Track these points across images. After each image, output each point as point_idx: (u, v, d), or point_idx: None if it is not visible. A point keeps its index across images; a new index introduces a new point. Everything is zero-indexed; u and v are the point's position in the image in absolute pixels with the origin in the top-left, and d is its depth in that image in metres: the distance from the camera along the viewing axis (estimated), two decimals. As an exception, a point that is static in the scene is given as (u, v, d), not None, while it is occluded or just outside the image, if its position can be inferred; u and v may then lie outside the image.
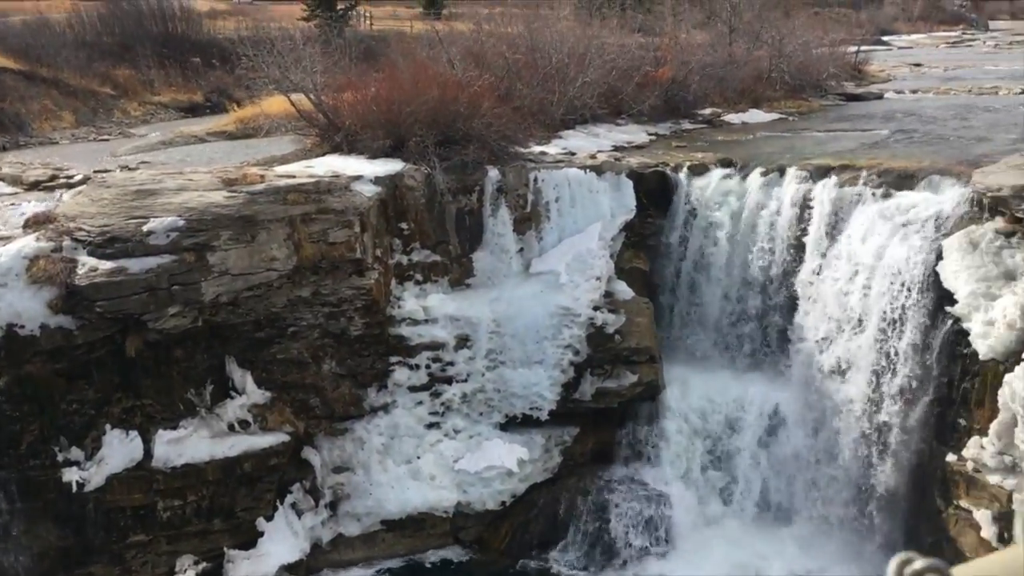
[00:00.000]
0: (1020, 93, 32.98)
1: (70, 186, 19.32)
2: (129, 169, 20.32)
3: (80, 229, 15.51)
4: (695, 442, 18.63)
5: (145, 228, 15.39)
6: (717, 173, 19.82)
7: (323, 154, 20.14)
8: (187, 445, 15.97)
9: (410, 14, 51.44)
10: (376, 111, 19.88)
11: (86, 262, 15.04)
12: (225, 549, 16.20)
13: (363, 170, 18.41)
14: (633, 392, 18.71)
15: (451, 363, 18.39)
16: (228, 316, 16.22)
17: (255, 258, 16.17)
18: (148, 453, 15.69)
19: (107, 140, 27.58)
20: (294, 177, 17.53)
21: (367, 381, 18.07)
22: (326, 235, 16.87)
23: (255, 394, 16.79)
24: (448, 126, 19.33)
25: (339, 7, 41.38)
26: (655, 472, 18.66)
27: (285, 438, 16.72)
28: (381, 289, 17.75)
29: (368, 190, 17.87)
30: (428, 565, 17.90)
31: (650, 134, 24.85)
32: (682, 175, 19.93)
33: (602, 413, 18.88)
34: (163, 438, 15.84)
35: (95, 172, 20.24)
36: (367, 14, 47.20)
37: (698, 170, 20.02)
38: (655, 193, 20.00)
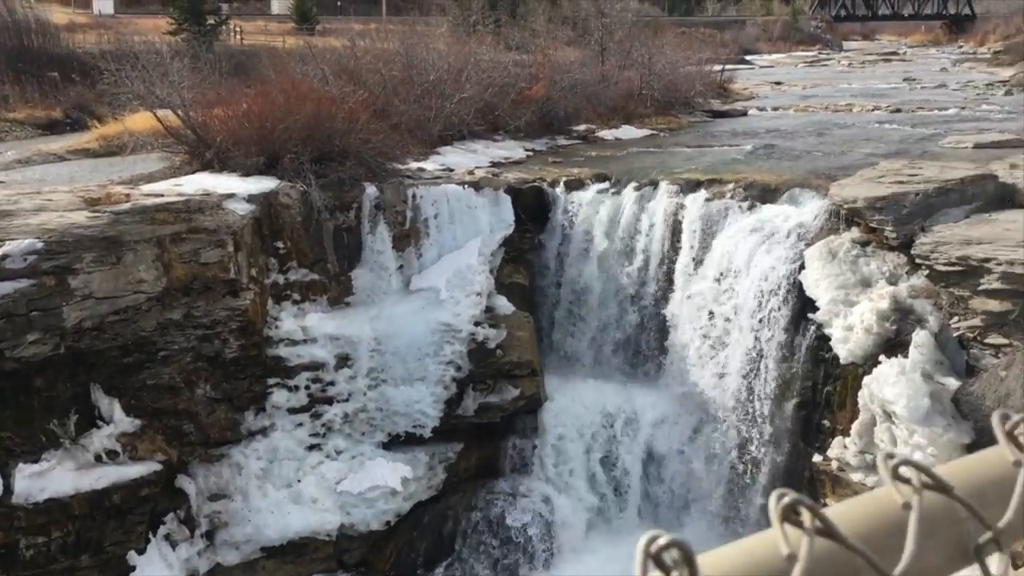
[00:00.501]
0: (872, 110, 34.99)
1: (-85, 207, 18.13)
2: (-18, 189, 19.20)
3: (-73, 253, 14.54)
4: (578, 452, 18.89)
5: (0, 251, 14.55)
6: (593, 188, 20.24)
7: (193, 172, 19.52)
8: (50, 479, 15.12)
9: (281, 29, 50.60)
10: (248, 127, 19.44)
11: (-66, 288, 14.11)
12: (94, 586, 15.42)
13: (236, 188, 17.94)
14: (515, 406, 18.84)
15: (331, 383, 18.09)
16: (93, 342, 15.48)
17: (121, 280, 15.52)
18: (7, 489, 14.77)
19: (-43, 158, 25.97)
20: (162, 196, 16.93)
21: (244, 404, 17.57)
22: (198, 255, 16.35)
23: (123, 422, 16.07)
24: (323, 142, 19.07)
25: (208, 21, 40.31)
26: (539, 484, 18.82)
27: (157, 467, 16.04)
28: (257, 310, 17.32)
29: (242, 208, 17.43)
30: (311, 590, 17.50)
31: (527, 150, 25.17)
32: (559, 190, 20.26)
33: (485, 428, 18.93)
34: (24, 472, 14.95)
35: (-56, 192, 19.04)
36: (237, 28, 46.16)
37: (574, 185, 20.40)
38: (533, 208, 20.27)
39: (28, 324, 14.51)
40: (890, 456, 1.12)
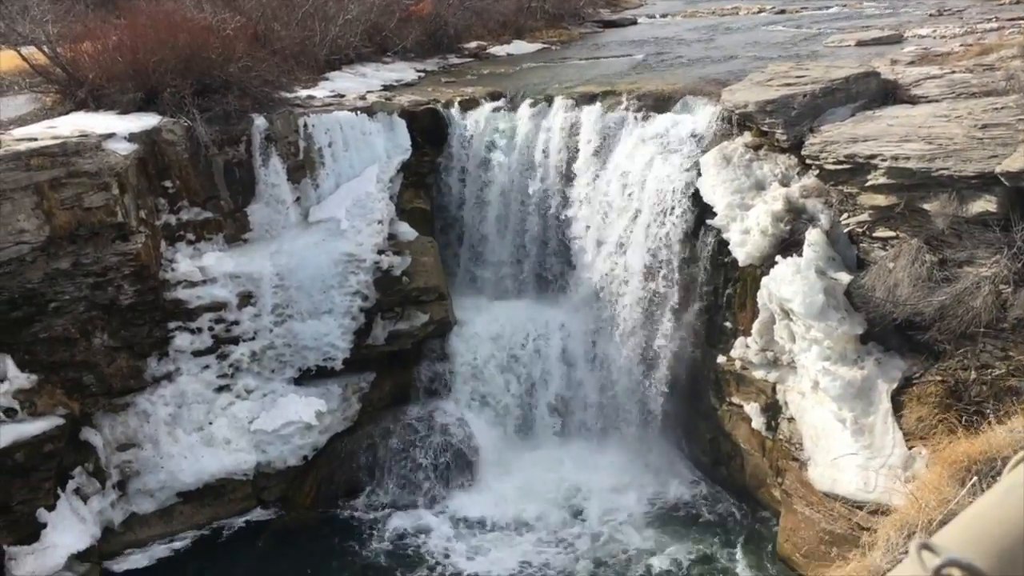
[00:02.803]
0: (757, 12, 35.34)
1: None
2: None
3: None
4: (490, 372, 19.07)
5: None
6: (488, 107, 19.99)
7: (67, 112, 18.47)
8: (-55, 443, 14.51)
9: (151, -46, 47.77)
10: (121, 62, 18.43)
11: None
12: (4, 547, 14.98)
13: (115, 127, 17.07)
14: (425, 331, 18.84)
15: (236, 322, 17.72)
16: (-24, 298, 14.74)
17: (1, 232, 14.73)
18: (-101, 458, 14.14)
19: None
20: (36, 140, 16.00)
21: (146, 351, 17.08)
22: (80, 200, 15.61)
23: (19, 378, 15.44)
24: (203, 74, 18.23)
25: (68, -52, 37.71)
26: (453, 406, 18.99)
27: (59, 421, 15.54)
28: (150, 253, 16.71)
29: (123, 148, 16.62)
30: (233, 531, 17.40)
31: (418, 71, 24.64)
32: (454, 111, 19.95)
33: (397, 355, 18.91)
34: (-85, 439, 14.30)
35: None
36: (102, -45, 43.38)
37: (469, 105, 20.11)
38: (429, 131, 19.93)
39: (-99, 285, 13.69)
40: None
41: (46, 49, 18.97)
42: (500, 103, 20.11)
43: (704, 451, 17.85)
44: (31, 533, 15.23)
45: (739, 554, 15.81)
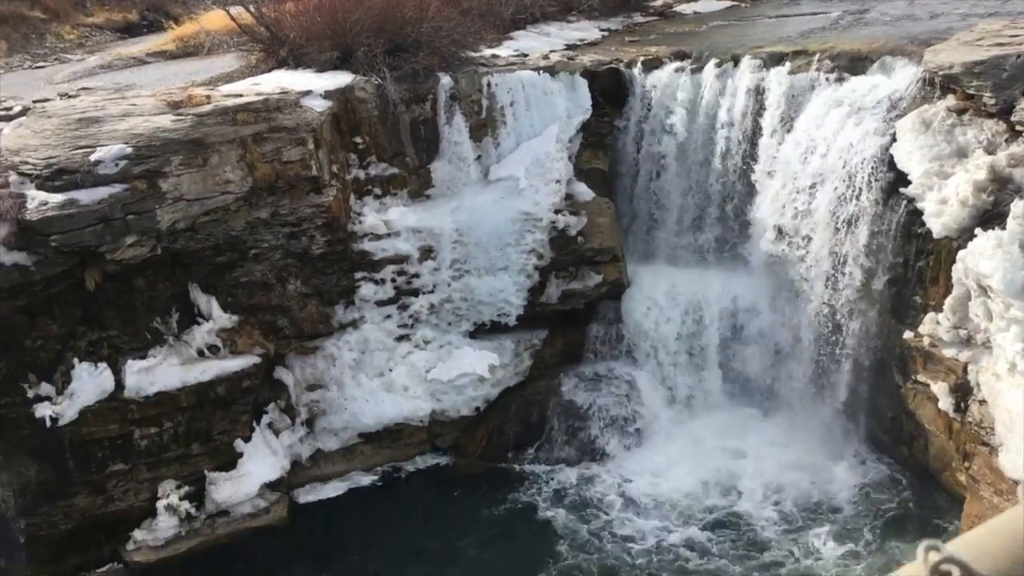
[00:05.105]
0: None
1: (9, 118, 18.66)
2: (69, 97, 19.66)
3: (25, 163, 15.09)
4: (661, 335, 18.97)
5: (92, 158, 15.01)
6: (671, 67, 19.64)
7: (269, 70, 19.61)
8: (158, 373, 15.95)
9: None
10: (320, 22, 19.32)
11: (35, 196, 14.68)
12: (206, 472, 16.39)
13: (312, 84, 17.98)
14: (598, 292, 18.93)
15: (416, 275, 18.42)
16: (187, 243, 16.01)
17: (209, 182, 15.89)
18: (120, 384, 15.67)
19: (43, 67, 26.58)
20: (241, 96, 17.09)
21: (334, 299, 18.07)
22: (279, 154, 16.58)
23: (222, 319, 16.73)
24: (396, 33, 18.86)
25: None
26: (624, 368, 19.05)
27: (256, 360, 16.75)
28: (340, 206, 17.58)
29: (319, 105, 17.50)
30: (408, 473, 18.26)
31: (602, 30, 24.48)
32: (636, 71, 19.73)
33: (569, 314, 19.12)
34: (133, 368, 15.80)
35: (34, 102, 19.57)
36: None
37: (652, 65, 19.82)
38: (610, 91, 19.82)
39: (125, 227, 15.05)
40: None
41: (252, 9, 20.12)
42: (684, 63, 19.71)
43: (884, 429, 17.12)
44: (229, 461, 16.57)
45: (915, 537, 15.15)
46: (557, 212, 18.61)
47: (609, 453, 18.02)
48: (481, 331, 18.89)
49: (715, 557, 15.28)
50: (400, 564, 15.62)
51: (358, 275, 18.12)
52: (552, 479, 17.59)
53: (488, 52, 20.67)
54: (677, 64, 19.68)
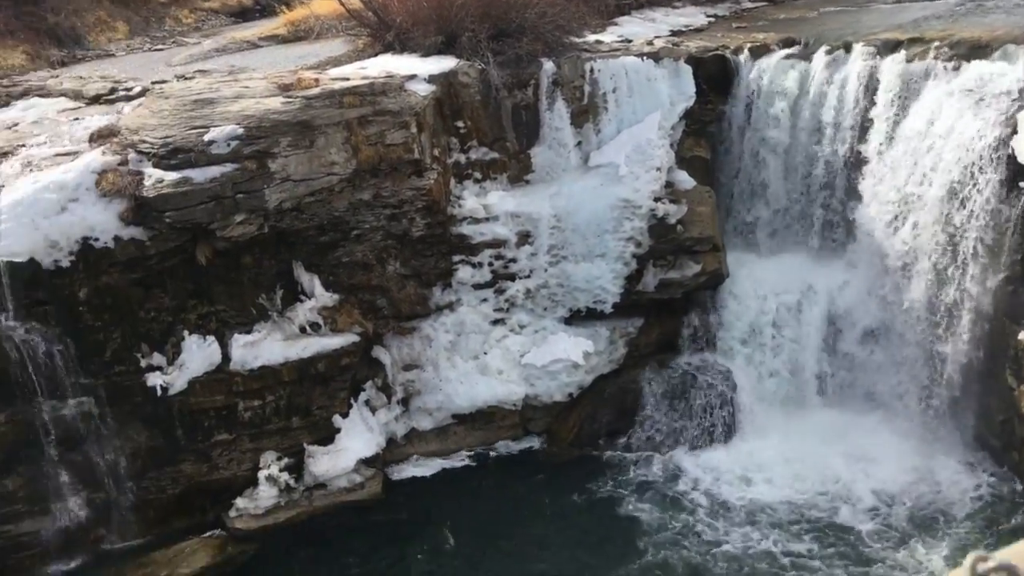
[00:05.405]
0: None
1: (129, 98, 19.56)
2: (185, 79, 20.43)
3: (143, 141, 15.75)
4: (760, 329, 18.61)
5: (206, 138, 15.56)
6: (779, 54, 19.17)
7: (376, 54, 19.96)
8: (262, 348, 16.49)
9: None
10: (427, 7, 19.54)
11: (152, 174, 15.32)
12: (305, 445, 16.88)
13: (417, 69, 18.22)
14: (696, 282, 18.68)
15: (513, 260, 18.52)
16: (292, 222, 16.46)
17: (315, 163, 16.29)
18: (226, 357, 16.26)
19: (161, 50, 27.65)
20: (348, 80, 17.44)
21: (431, 280, 18.33)
22: (383, 137, 16.86)
23: (324, 297, 17.17)
24: (500, 19, 18.94)
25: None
26: (721, 360, 18.77)
27: (355, 338, 17.14)
28: (440, 189, 17.79)
29: (423, 89, 17.72)
30: (499, 456, 18.43)
31: (709, 16, 24.10)
32: (743, 58, 19.33)
33: (666, 304, 18.93)
34: (239, 342, 16.37)
35: (153, 83, 20.41)
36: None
37: (760, 52, 19.39)
38: (715, 78, 19.47)
39: (235, 205, 15.58)
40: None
41: (361, -5, 20.49)
42: (793, 50, 19.21)
43: (994, 433, 16.43)
44: (327, 436, 17.03)
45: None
46: (657, 200, 18.43)
47: (701, 447, 17.81)
48: (576, 317, 18.88)
49: (811, 570, 14.63)
50: (485, 547, 15.79)
51: (456, 258, 18.32)
52: (641, 471, 17.49)
53: (592, 38, 20.55)
54: (786, 51, 19.20)
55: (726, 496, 16.53)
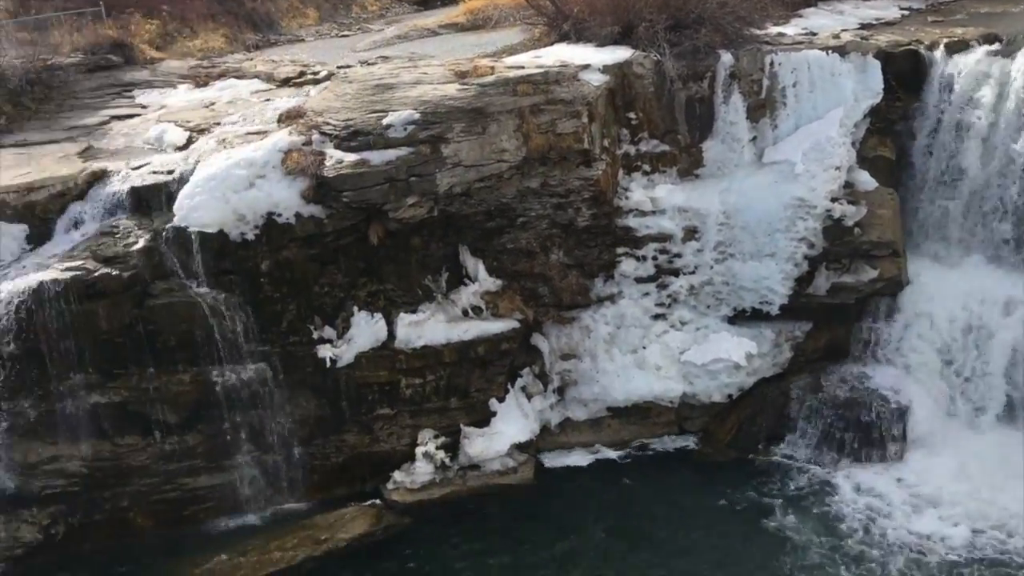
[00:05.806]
0: None
1: (316, 82, 20.50)
2: (368, 64, 21.20)
3: (327, 123, 16.46)
4: (939, 345, 17.52)
5: (384, 122, 16.11)
6: (979, 51, 17.95)
7: (551, 43, 20.06)
8: (426, 328, 16.94)
9: None
10: (605, -3, 19.45)
11: (333, 155, 16.00)
12: (461, 426, 17.24)
13: (591, 59, 18.17)
14: (872, 288, 17.81)
15: (678, 255, 18.21)
16: (461, 206, 16.80)
17: (486, 149, 16.55)
18: (391, 334, 16.80)
19: (347, 36, 28.82)
20: (523, 68, 17.61)
21: (594, 271, 18.28)
22: (554, 126, 16.92)
23: (487, 282, 17.46)
24: (679, 9, 18.63)
25: None
26: (892, 373, 17.82)
27: (515, 324, 17.34)
28: (608, 180, 17.69)
29: (596, 79, 17.66)
30: (654, 452, 18.20)
31: (903, 9, 22.93)
32: (938, 54, 18.22)
33: (837, 309, 18.14)
34: (404, 321, 16.88)
35: (338, 68, 21.31)
36: None
37: (956, 48, 18.22)
38: (906, 74, 18.45)
39: (408, 188, 16.05)
40: None
41: (540, -16, 20.62)
42: (995, 46, 17.93)
43: None
44: (483, 418, 17.32)
45: None
46: (834, 200, 17.67)
47: (866, 462, 16.95)
48: (740, 317, 18.39)
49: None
50: (631, 545, 15.60)
51: (620, 250, 18.19)
52: (796, 482, 16.83)
53: (774, 30, 19.92)
54: (987, 48, 17.96)
55: (886, 519, 15.65)
